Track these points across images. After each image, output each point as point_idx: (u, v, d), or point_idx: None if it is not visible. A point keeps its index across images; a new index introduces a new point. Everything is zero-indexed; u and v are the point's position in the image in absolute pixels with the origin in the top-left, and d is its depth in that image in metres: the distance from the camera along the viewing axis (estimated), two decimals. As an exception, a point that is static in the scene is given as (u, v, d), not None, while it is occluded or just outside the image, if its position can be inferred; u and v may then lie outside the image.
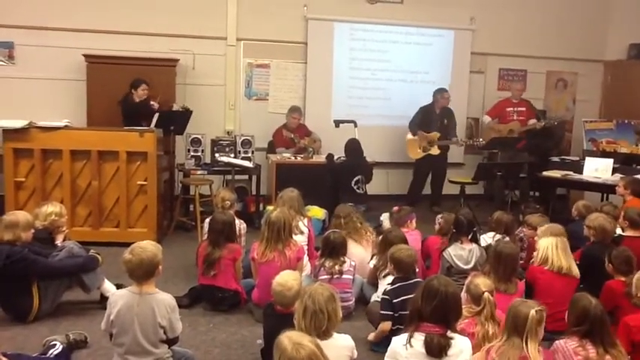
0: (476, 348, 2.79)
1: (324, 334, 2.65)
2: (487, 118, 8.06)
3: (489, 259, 3.75)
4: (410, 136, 7.63)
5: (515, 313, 2.69)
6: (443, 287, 2.72)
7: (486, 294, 3.09)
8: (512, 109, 7.88)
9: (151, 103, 6.48)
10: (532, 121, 7.74)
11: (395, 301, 3.51)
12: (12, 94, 6.92)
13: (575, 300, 2.92)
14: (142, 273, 2.92)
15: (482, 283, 3.19)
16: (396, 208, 5.01)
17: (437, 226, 4.83)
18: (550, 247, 3.88)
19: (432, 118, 7.61)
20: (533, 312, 2.66)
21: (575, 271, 3.85)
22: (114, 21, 7.16)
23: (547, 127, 7.74)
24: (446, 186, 7.80)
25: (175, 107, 6.72)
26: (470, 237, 4.42)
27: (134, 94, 6.51)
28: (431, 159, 7.58)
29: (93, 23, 7.11)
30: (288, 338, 2.19)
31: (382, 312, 3.59)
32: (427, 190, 7.89)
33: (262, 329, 3.85)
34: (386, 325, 3.55)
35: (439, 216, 4.91)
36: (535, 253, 4.04)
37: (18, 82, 6.98)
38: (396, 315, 3.50)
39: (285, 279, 3.17)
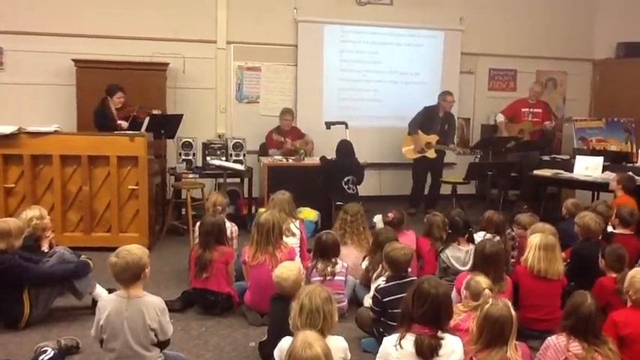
0: (469, 343, 2.79)
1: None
2: (501, 117, 7.94)
3: (476, 262, 3.71)
4: (405, 136, 7.60)
5: (493, 320, 2.64)
6: (434, 289, 2.72)
7: (487, 290, 3.15)
8: (528, 109, 7.83)
9: (118, 122, 6.24)
10: (546, 122, 7.73)
11: (385, 300, 3.51)
12: (1, 100, 6.89)
13: (572, 296, 2.95)
14: (128, 276, 2.91)
15: (483, 280, 3.26)
16: (390, 215, 4.84)
17: None
18: (533, 249, 3.80)
19: (434, 121, 7.53)
20: (513, 313, 2.67)
21: (559, 273, 3.78)
22: (103, 25, 7.15)
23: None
24: (440, 187, 7.80)
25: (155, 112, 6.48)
26: (467, 237, 4.44)
27: (110, 101, 6.33)
28: (427, 161, 7.55)
29: (82, 28, 7.09)
30: (304, 335, 2.29)
31: (372, 306, 3.66)
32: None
33: (256, 331, 3.89)
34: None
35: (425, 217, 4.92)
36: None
37: (7, 88, 6.96)
38: (385, 312, 3.52)
39: (282, 270, 3.37)
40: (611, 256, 3.80)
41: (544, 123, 7.74)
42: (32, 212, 4.23)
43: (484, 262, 3.64)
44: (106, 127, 6.09)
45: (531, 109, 7.83)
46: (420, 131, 7.49)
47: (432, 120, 7.53)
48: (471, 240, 4.42)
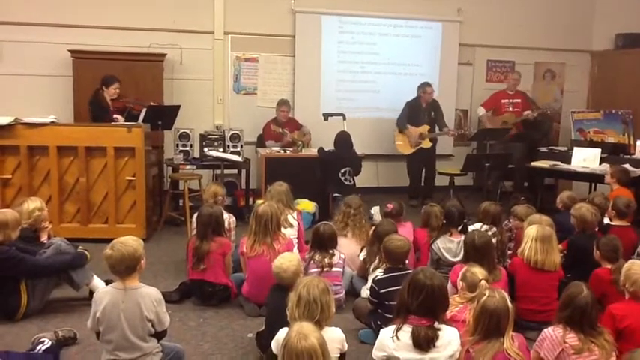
0: (466, 335, 2.80)
1: (316, 326, 2.66)
2: (481, 110, 7.98)
3: (468, 253, 3.71)
4: (397, 133, 7.61)
5: (490, 312, 2.65)
6: (429, 280, 2.72)
7: (483, 281, 3.15)
8: (507, 100, 7.84)
9: (115, 116, 6.10)
10: (526, 112, 7.71)
11: (382, 291, 3.53)
12: (-3, 91, 6.87)
13: (568, 287, 2.95)
14: (124, 268, 2.92)
15: (479, 271, 3.25)
16: (390, 206, 4.80)
17: None
18: (529, 241, 3.81)
19: (420, 112, 7.56)
20: (510, 305, 2.68)
21: (555, 264, 3.80)
22: (100, 16, 7.11)
23: (537, 119, 7.76)
24: (435, 178, 7.81)
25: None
26: (460, 229, 4.44)
27: (105, 91, 6.26)
28: (422, 153, 7.55)
29: (79, 18, 7.05)
30: (299, 326, 2.29)
31: (369, 297, 3.67)
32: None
33: (254, 322, 3.90)
34: None
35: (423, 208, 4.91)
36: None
37: (3, 79, 6.92)
38: (382, 304, 3.54)
39: (281, 261, 3.37)
40: (605, 246, 3.81)
41: (524, 113, 7.72)
42: (34, 204, 4.24)
43: (475, 253, 3.64)
44: (103, 120, 6.05)
45: (511, 100, 7.84)
46: (409, 126, 7.50)
47: (417, 113, 7.55)
48: (464, 231, 4.41)
